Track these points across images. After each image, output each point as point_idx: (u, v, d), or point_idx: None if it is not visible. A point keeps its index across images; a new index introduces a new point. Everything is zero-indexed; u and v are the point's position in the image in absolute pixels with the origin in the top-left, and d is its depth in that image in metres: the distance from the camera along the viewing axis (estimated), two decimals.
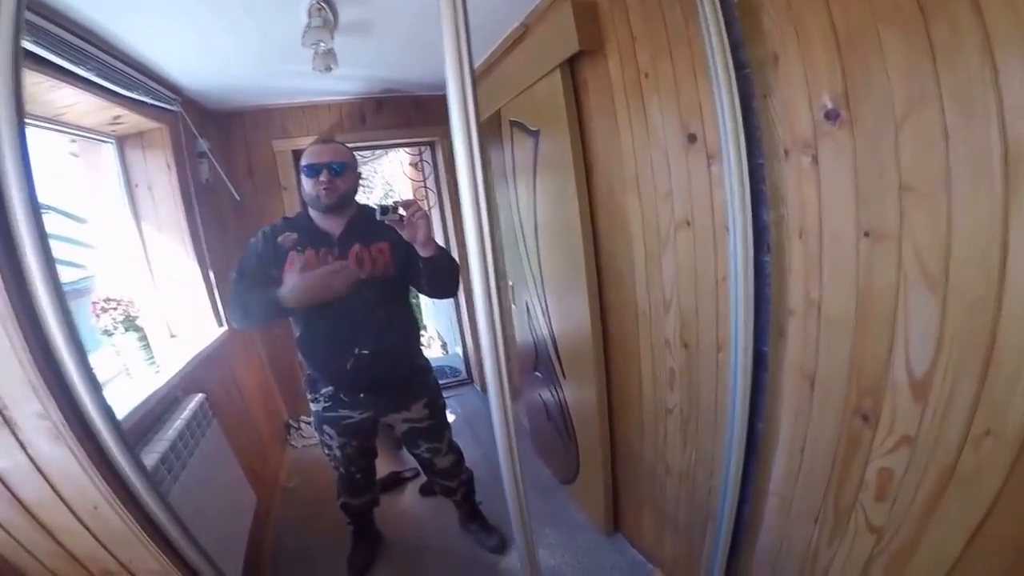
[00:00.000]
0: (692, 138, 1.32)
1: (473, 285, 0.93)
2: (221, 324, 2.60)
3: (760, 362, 1.28)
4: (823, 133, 1.00)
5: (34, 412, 0.97)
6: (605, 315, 1.95)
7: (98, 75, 1.68)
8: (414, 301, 2.42)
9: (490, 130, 2.53)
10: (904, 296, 0.92)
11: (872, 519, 1.08)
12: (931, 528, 0.97)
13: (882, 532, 1.06)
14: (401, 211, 1.55)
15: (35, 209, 0.89)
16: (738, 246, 1.17)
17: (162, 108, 2.29)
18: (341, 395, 1.87)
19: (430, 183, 3.92)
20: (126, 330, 1.92)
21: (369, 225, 1.57)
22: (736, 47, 1.10)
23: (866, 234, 0.96)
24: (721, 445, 1.46)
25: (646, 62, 1.44)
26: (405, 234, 1.59)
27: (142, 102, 2.09)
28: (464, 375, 4.40)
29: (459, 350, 4.45)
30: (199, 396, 1.96)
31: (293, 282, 1.59)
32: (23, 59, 0.87)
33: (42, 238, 0.90)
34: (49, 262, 0.91)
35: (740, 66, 1.10)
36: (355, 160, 1.81)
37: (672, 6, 1.31)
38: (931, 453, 0.93)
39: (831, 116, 0.97)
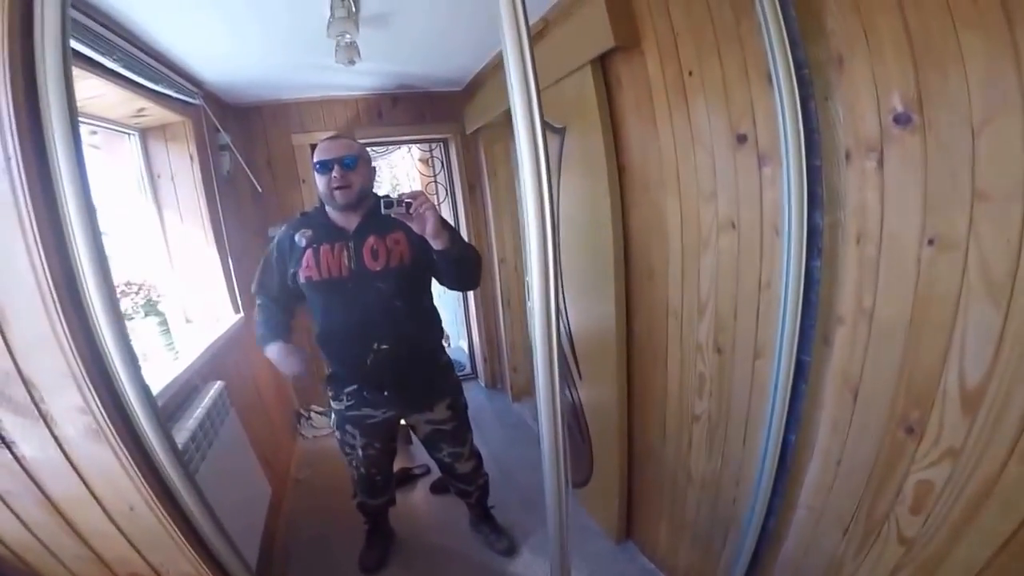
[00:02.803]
0: (742, 139, 1.30)
1: (532, 287, 0.92)
2: (237, 311, 2.61)
3: (799, 372, 1.26)
4: (891, 137, 0.98)
5: (74, 406, 0.94)
6: (631, 315, 1.93)
7: (124, 67, 1.68)
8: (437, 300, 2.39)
9: (509, 128, 2.49)
10: (964, 305, 0.90)
11: (904, 531, 1.07)
12: (963, 539, 0.96)
13: (912, 543, 1.06)
14: (408, 202, 1.52)
15: (87, 198, 0.88)
16: (792, 250, 1.15)
17: (185, 101, 2.31)
18: (364, 393, 1.86)
19: (441, 179, 3.95)
20: (146, 315, 1.90)
21: (384, 217, 1.53)
22: (793, 47, 1.08)
23: (930, 242, 0.94)
24: (751, 454, 1.46)
25: (690, 59, 1.41)
26: (414, 227, 1.57)
27: (166, 95, 2.11)
28: (468, 370, 4.36)
29: (464, 344, 4.42)
30: (218, 384, 1.95)
31: (267, 351, 1.82)
32: (71, 59, 0.87)
33: (96, 236, 0.90)
34: (99, 246, 0.90)
35: (798, 67, 1.08)
36: (367, 154, 1.79)
37: (720, 3, 1.28)
38: (975, 466, 0.93)
39: (901, 120, 0.95)
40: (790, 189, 1.12)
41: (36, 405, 0.94)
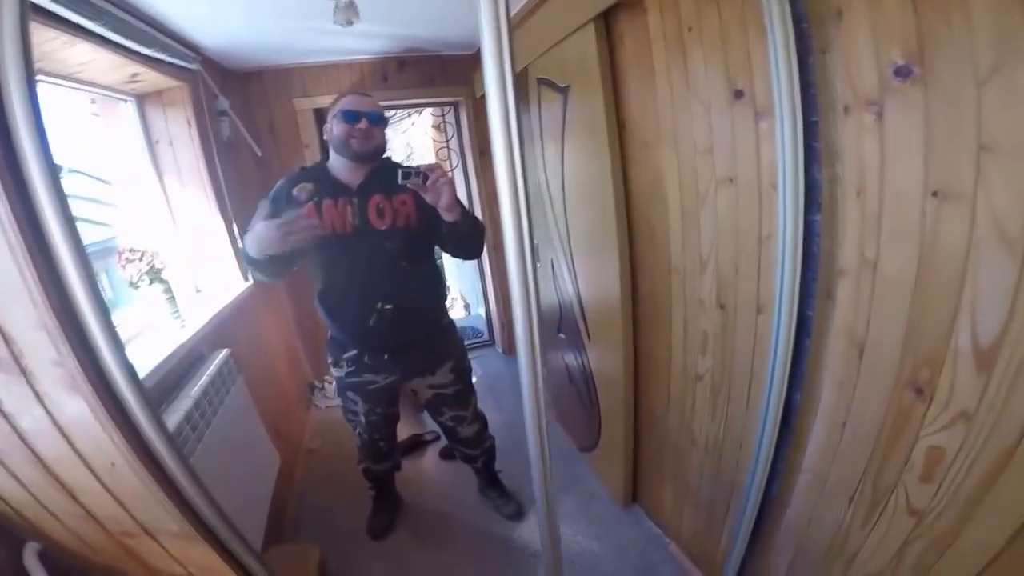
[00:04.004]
0: (739, 94, 1.26)
1: (506, 246, 0.87)
2: (247, 279, 2.63)
3: (803, 327, 1.22)
4: (891, 90, 0.93)
5: (50, 360, 0.93)
6: (636, 275, 1.90)
7: (112, 31, 1.66)
8: (439, 262, 2.41)
9: (524, 88, 2.43)
10: (975, 259, 0.85)
11: (914, 501, 1.03)
12: (978, 515, 0.91)
13: (923, 515, 1.01)
14: (425, 174, 1.52)
15: (45, 148, 0.86)
16: (788, 204, 1.12)
17: (181, 67, 2.29)
18: (365, 358, 1.85)
19: (452, 144, 3.89)
20: (151, 282, 1.92)
21: (392, 176, 1.52)
22: (792, 0, 1.04)
23: (934, 194, 0.89)
24: (754, 416, 1.42)
25: (689, 15, 1.36)
26: (428, 198, 1.57)
27: (160, 60, 2.09)
28: (486, 337, 4.37)
29: (482, 311, 4.42)
30: (224, 352, 1.96)
31: (252, 232, 1.47)
32: (30, 13, 0.84)
33: (55, 180, 0.87)
34: (62, 201, 0.88)
35: (797, 20, 1.04)
36: (387, 117, 1.79)
37: None
38: (990, 432, 0.87)
39: (902, 73, 0.90)
40: (784, 143, 1.08)
41: (16, 360, 0.93)
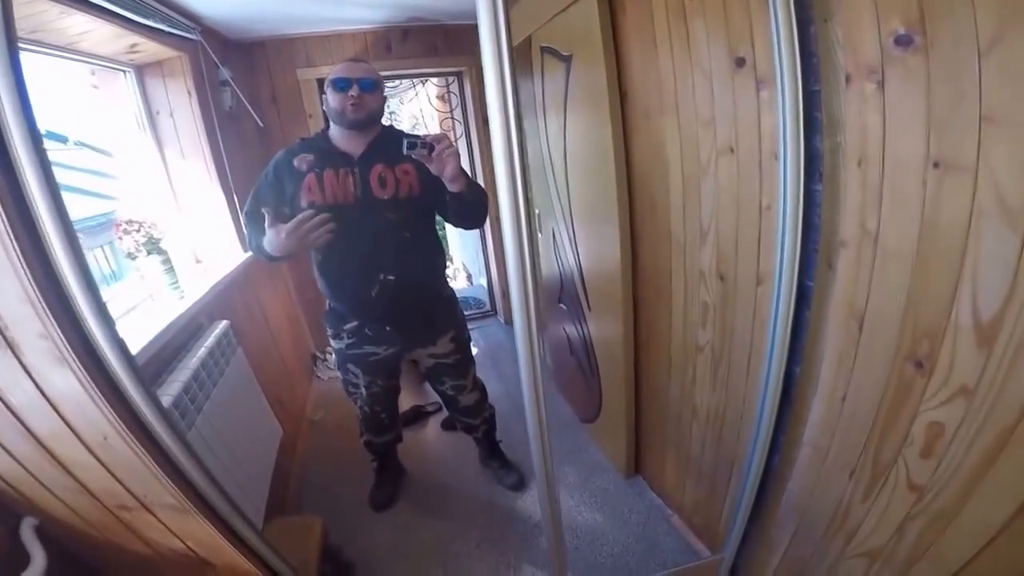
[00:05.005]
0: (740, 62, 1.23)
1: (502, 215, 0.91)
2: (246, 249, 2.59)
3: (803, 299, 1.20)
4: (892, 59, 0.91)
5: (36, 333, 0.92)
6: (636, 245, 1.88)
7: (109, 1, 1.65)
8: (440, 233, 2.40)
9: (520, 58, 2.38)
10: (976, 232, 0.83)
11: (914, 477, 1.02)
12: (979, 491, 0.91)
13: (923, 491, 1.01)
14: (431, 144, 1.52)
15: (29, 117, 0.83)
16: (788, 174, 1.10)
17: (181, 37, 2.28)
18: (366, 329, 1.85)
19: (457, 114, 3.87)
20: (149, 253, 1.91)
21: (395, 146, 1.53)
22: None
23: (936, 164, 0.87)
24: (754, 388, 1.41)
25: None
26: (433, 168, 1.56)
27: (159, 30, 2.08)
28: (488, 307, 4.38)
29: (484, 282, 4.43)
30: (223, 323, 1.97)
31: (270, 236, 1.56)
32: None
33: (39, 150, 0.85)
34: (48, 172, 0.86)
35: None
36: (383, 82, 1.78)
37: None
38: (991, 408, 0.86)
39: (902, 41, 0.88)
40: (786, 112, 1.07)
41: (2, 332, 0.92)
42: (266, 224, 1.55)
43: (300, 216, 1.54)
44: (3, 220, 0.84)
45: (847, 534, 1.22)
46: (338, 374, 3.33)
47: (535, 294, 0.99)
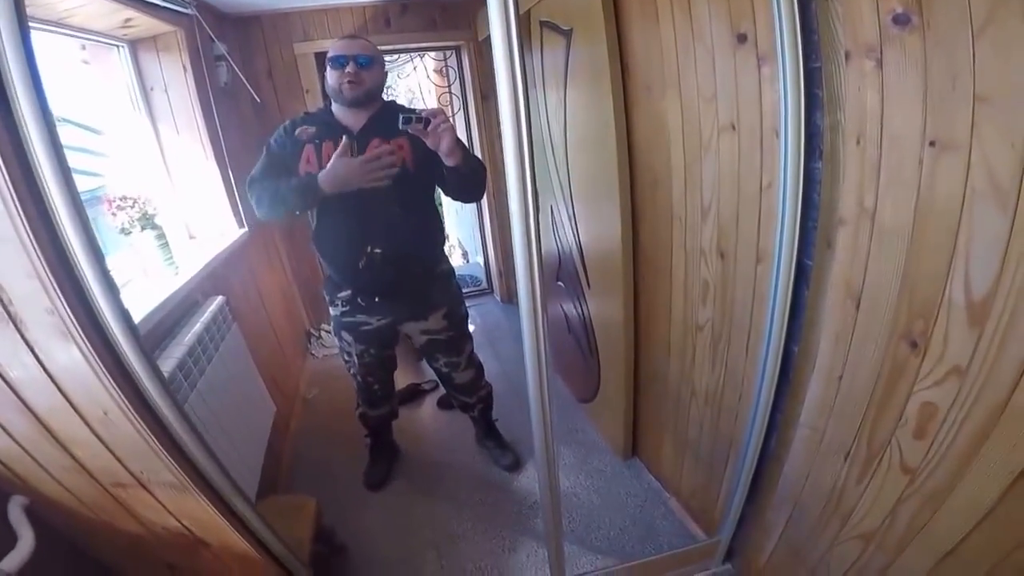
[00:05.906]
0: (742, 38, 1.23)
1: (508, 187, 0.91)
2: (241, 225, 2.64)
3: (802, 277, 1.22)
4: (890, 37, 0.92)
5: (43, 308, 0.93)
6: (637, 223, 1.88)
7: None
8: (439, 208, 2.39)
9: (527, 31, 2.35)
10: (969, 210, 0.84)
11: (907, 459, 1.04)
12: (970, 471, 0.92)
13: (916, 473, 1.03)
14: (427, 119, 1.54)
15: (39, 92, 0.84)
16: (789, 151, 1.11)
17: (176, 11, 2.25)
18: (358, 299, 1.89)
19: (455, 89, 3.85)
20: (143, 228, 1.91)
21: (394, 120, 1.54)
22: None
23: (931, 143, 0.88)
24: (753, 367, 1.43)
25: None
26: (429, 142, 1.58)
27: (154, 4, 2.06)
28: (485, 285, 4.39)
29: (480, 259, 4.43)
30: (219, 299, 1.98)
31: (335, 167, 1.60)
32: None
33: (49, 125, 0.85)
34: (57, 147, 0.87)
35: None
36: (382, 57, 1.79)
37: None
38: (981, 388, 0.87)
39: (900, 20, 0.89)
40: (786, 88, 1.07)
41: (5, 307, 0.93)
42: (332, 157, 1.59)
43: (381, 148, 1.63)
44: (12, 196, 0.84)
45: (842, 516, 1.24)
46: (333, 352, 3.38)
47: (539, 270, 0.99)
